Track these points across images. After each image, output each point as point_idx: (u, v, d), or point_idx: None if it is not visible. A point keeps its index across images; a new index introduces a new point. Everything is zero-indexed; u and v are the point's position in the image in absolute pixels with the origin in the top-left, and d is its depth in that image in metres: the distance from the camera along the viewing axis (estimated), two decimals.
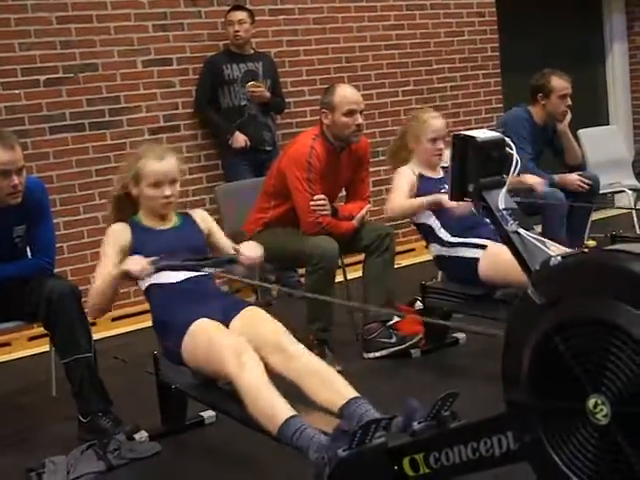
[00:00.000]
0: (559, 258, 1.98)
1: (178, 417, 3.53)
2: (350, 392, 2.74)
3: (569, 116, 5.32)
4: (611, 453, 1.78)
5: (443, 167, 4.41)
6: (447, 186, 3.79)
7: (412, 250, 6.54)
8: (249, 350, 2.86)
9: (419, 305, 4.44)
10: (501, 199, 2.25)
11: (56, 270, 3.91)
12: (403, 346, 4.32)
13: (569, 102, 5.28)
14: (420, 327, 4.39)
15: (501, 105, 7.31)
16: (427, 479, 2.29)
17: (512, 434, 2.02)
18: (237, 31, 5.64)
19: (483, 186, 2.28)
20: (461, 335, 4.46)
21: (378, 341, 4.35)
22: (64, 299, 3.51)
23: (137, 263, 3.15)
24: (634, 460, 1.73)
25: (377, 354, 4.35)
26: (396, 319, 4.50)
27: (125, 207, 3.47)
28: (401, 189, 4.32)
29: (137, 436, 3.45)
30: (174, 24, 5.69)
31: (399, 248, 5.50)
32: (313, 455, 2.44)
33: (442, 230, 4.23)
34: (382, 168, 6.54)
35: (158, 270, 3.17)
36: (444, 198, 4.04)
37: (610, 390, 1.76)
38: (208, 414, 3.57)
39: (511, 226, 2.22)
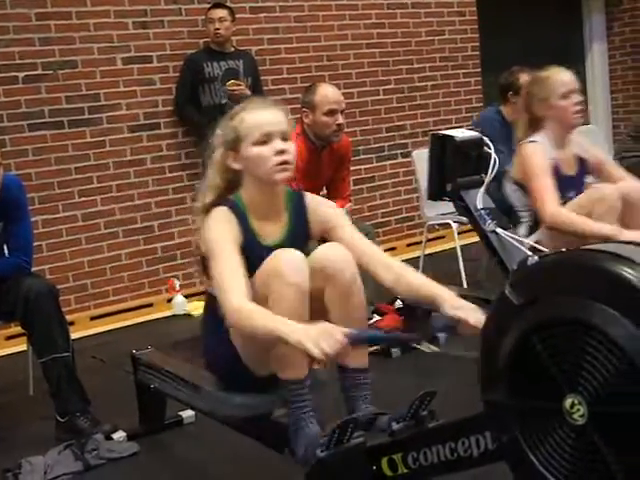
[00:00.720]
0: (536, 258, 1.98)
1: (157, 417, 3.51)
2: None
3: None
4: (588, 453, 1.79)
5: (581, 158, 3.81)
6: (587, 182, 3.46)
7: (393, 249, 6.54)
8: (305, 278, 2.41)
9: (399, 304, 4.44)
10: (479, 199, 2.26)
11: (34, 269, 3.88)
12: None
13: None
14: (400, 325, 4.38)
15: (481, 104, 7.33)
16: (405, 479, 2.29)
17: (490, 434, 2.03)
18: (217, 29, 5.62)
19: (461, 185, 2.28)
20: (441, 334, 4.45)
21: None
22: (42, 298, 3.48)
23: (329, 343, 2.14)
24: (610, 460, 1.73)
25: None
26: (377, 318, 4.50)
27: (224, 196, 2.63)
28: (549, 186, 3.47)
29: (115, 436, 3.43)
30: (154, 21, 5.66)
31: (380, 247, 5.49)
32: (301, 449, 2.41)
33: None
34: (363, 167, 6.56)
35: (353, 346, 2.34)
36: (624, 234, 3.32)
37: (587, 390, 1.77)
38: (187, 414, 3.56)
39: (489, 225, 2.22)
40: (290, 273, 2.38)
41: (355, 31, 6.66)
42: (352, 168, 4.93)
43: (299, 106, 4.51)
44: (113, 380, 4.08)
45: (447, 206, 4.73)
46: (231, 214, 2.54)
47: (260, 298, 2.39)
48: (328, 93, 4.40)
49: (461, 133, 2.29)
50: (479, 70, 7.41)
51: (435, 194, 2.34)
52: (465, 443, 2.10)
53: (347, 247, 2.56)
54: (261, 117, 2.54)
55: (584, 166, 3.67)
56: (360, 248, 2.62)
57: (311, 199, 2.72)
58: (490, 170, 2.28)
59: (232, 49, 5.77)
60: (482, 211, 2.24)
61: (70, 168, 5.35)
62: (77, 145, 5.37)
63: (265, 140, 2.51)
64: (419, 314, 4.28)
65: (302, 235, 2.67)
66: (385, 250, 6.53)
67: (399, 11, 6.92)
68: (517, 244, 2.17)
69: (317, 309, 2.49)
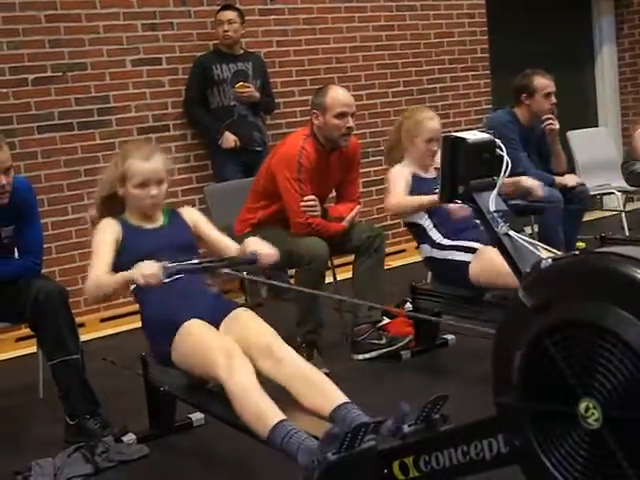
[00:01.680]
0: (550, 261, 1.97)
1: (166, 419, 3.50)
2: (340, 397, 2.71)
3: (556, 125, 5.30)
4: (602, 457, 1.77)
5: (436, 168, 4.34)
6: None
7: (402, 251, 6.54)
8: (239, 353, 2.84)
9: (409, 307, 4.43)
10: (492, 201, 2.24)
11: (44, 270, 3.89)
12: (393, 347, 4.31)
13: (554, 100, 5.28)
14: (410, 328, 4.38)
15: (490, 106, 7.32)
16: None
17: (503, 438, 2.01)
18: (226, 31, 5.62)
19: (473, 188, 2.27)
20: (451, 336, 4.45)
21: (368, 342, 4.34)
22: (51, 300, 3.48)
23: (151, 273, 2.94)
24: (625, 465, 1.72)
25: (367, 356, 4.33)
26: (386, 320, 4.50)
27: (111, 207, 3.40)
28: (399, 186, 4.27)
29: (125, 438, 3.42)
30: (163, 23, 5.67)
31: (389, 249, 5.49)
32: (302, 459, 2.43)
33: (434, 230, 4.20)
34: (372, 169, 6.55)
35: (170, 276, 3.00)
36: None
37: (601, 394, 1.75)
38: (196, 416, 3.55)
39: (502, 228, 2.20)
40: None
41: (364, 33, 6.66)
42: (361, 170, 4.92)
43: (308, 108, 4.50)
44: (123, 382, 4.07)
45: None
46: (113, 220, 3.33)
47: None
48: (339, 96, 4.39)
49: (473, 135, 2.27)
50: (488, 72, 7.40)
51: (447, 196, 2.32)
52: (477, 447, 2.08)
53: (206, 238, 3.46)
54: (143, 167, 3.28)
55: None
56: (221, 242, 3.45)
57: (180, 208, 3.56)
58: (502, 172, 2.26)
59: (241, 51, 5.77)
60: (495, 214, 2.22)
61: (79, 170, 5.35)
62: (86, 147, 5.38)
63: (143, 184, 3.28)
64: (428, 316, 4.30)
65: (181, 224, 3.43)
66: (394, 253, 6.57)
67: (408, 13, 6.92)
68: (530, 247, 2.16)
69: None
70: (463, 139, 2.26)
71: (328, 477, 2.32)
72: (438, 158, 4.16)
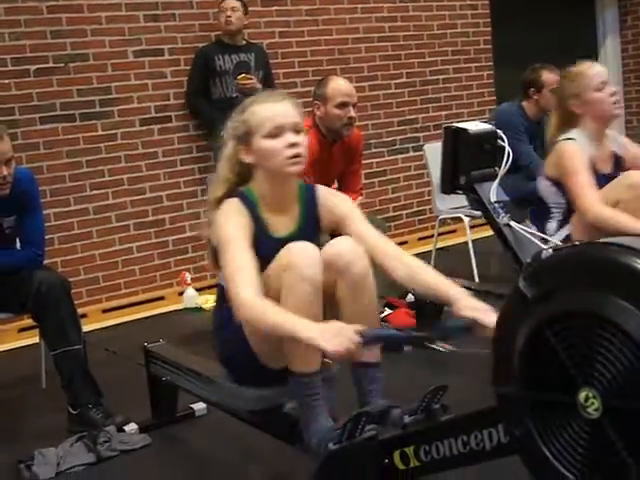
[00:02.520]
0: (550, 251, 1.97)
1: (168, 409, 3.51)
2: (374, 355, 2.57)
3: None
4: (602, 447, 1.78)
5: (616, 155, 3.74)
6: None
7: (405, 243, 6.53)
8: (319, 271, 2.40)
9: (410, 298, 4.43)
10: (493, 191, 2.24)
11: (46, 261, 3.89)
12: None
13: None
14: (412, 319, 4.38)
15: (494, 98, 7.31)
16: (417, 472, 2.29)
17: (503, 427, 2.02)
18: (229, 16, 5.59)
19: (475, 178, 2.27)
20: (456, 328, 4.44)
21: None
22: (54, 291, 3.49)
23: (343, 342, 2.16)
24: (625, 454, 1.72)
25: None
26: (388, 311, 4.50)
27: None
28: (590, 183, 3.44)
29: (127, 428, 3.43)
30: (166, 14, 5.66)
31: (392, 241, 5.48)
32: (310, 438, 2.41)
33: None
34: (375, 160, 6.55)
35: (366, 345, 2.29)
36: None
37: (601, 383, 1.75)
38: (199, 406, 3.56)
39: (503, 219, 2.21)
40: (304, 267, 2.36)
41: (367, 24, 6.64)
42: (363, 162, 4.92)
43: (311, 100, 4.50)
44: (125, 372, 4.08)
45: (459, 200, 4.74)
46: (242, 205, 2.52)
47: (272, 292, 2.38)
48: (340, 86, 4.40)
49: (475, 126, 2.27)
50: (491, 64, 7.39)
51: (448, 187, 2.32)
52: (478, 436, 2.08)
53: (359, 241, 2.54)
54: (272, 110, 2.51)
55: (619, 163, 3.63)
56: (372, 242, 2.59)
57: (323, 192, 2.70)
58: (504, 163, 2.26)
59: (243, 42, 5.75)
60: (496, 204, 2.22)
61: (81, 161, 5.35)
62: (88, 138, 5.38)
63: (277, 133, 2.48)
64: (429, 310, 4.29)
65: (314, 228, 2.65)
66: (396, 244, 6.56)
67: (411, 4, 6.90)
68: (531, 237, 2.16)
69: (329, 303, 2.48)
70: (465, 130, 2.26)
71: (329, 467, 2.33)
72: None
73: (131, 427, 3.44)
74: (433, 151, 5.13)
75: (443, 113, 7.12)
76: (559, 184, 3.35)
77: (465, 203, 4.54)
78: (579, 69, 3.77)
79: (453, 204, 5.26)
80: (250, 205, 2.53)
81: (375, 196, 6.61)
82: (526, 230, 2.18)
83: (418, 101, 6.94)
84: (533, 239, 2.15)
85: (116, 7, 5.46)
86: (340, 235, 2.61)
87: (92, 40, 5.38)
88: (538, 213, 3.37)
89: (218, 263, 2.51)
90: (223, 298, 2.56)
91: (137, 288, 5.54)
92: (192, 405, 3.56)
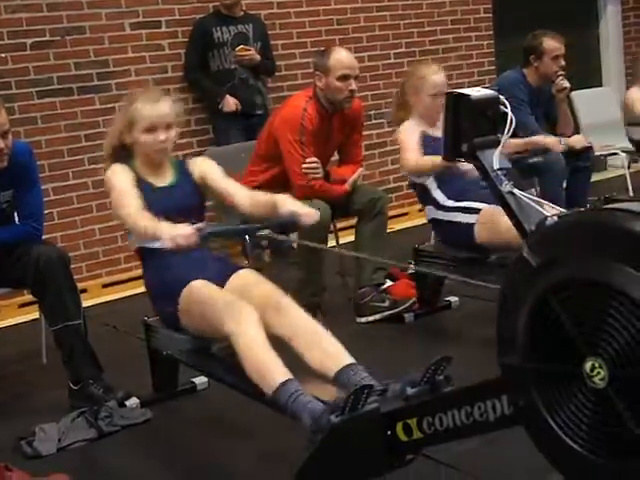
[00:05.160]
0: (555, 218, 1.94)
1: (169, 383, 3.50)
2: (346, 358, 2.68)
3: (567, 83, 5.24)
4: (608, 417, 1.75)
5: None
6: None
7: (405, 214, 6.50)
8: (248, 307, 2.79)
9: (412, 269, 4.41)
10: (495, 159, 2.20)
11: (46, 236, 3.86)
12: (396, 310, 4.30)
13: (562, 63, 5.22)
14: (413, 291, 4.36)
15: (494, 67, 7.24)
16: (420, 444, 2.27)
17: (507, 398, 2.00)
18: None
19: (477, 146, 2.22)
20: (454, 298, 4.44)
21: (371, 305, 4.33)
22: (52, 265, 3.46)
23: (185, 235, 2.80)
24: (631, 424, 1.70)
25: (370, 318, 4.32)
26: (389, 283, 4.48)
27: (121, 158, 3.27)
28: (413, 144, 4.15)
29: (128, 403, 3.43)
30: None
31: (392, 212, 5.46)
32: (307, 421, 2.41)
33: (438, 191, 4.12)
34: (375, 132, 6.50)
35: (204, 240, 2.88)
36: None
37: (607, 353, 1.73)
38: (200, 380, 3.55)
39: (505, 186, 2.17)
40: (248, 330, 2.72)
41: None
42: (364, 133, 4.87)
43: (309, 70, 4.45)
44: (125, 347, 4.07)
45: None
46: (126, 167, 3.21)
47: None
48: (342, 58, 4.34)
49: (476, 92, 2.22)
50: (491, 33, 7.31)
51: (450, 155, 2.27)
52: (481, 407, 2.06)
53: (219, 189, 3.29)
54: (150, 110, 3.17)
55: None
56: (230, 189, 3.29)
57: (190, 160, 3.44)
58: (506, 129, 2.22)
59: (241, 13, 5.69)
60: (499, 171, 2.18)
61: (80, 135, 5.31)
62: (86, 112, 5.33)
63: (151, 129, 3.17)
64: (430, 281, 4.28)
65: (188, 179, 3.30)
66: (397, 216, 6.54)
67: None
68: (535, 205, 2.12)
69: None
70: (466, 95, 2.22)
71: (331, 439, 2.31)
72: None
73: (132, 402, 3.43)
74: None
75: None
76: None
77: None
78: (423, 72, 4.28)
79: None
80: (132, 169, 3.22)
81: (375, 167, 6.57)
82: (530, 197, 2.14)
83: None
84: (537, 207, 2.11)
85: None
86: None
87: (88, 13, 5.31)
88: None
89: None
90: (144, 257, 3.24)
91: (137, 262, 5.47)
92: (193, 379, 3.55)
